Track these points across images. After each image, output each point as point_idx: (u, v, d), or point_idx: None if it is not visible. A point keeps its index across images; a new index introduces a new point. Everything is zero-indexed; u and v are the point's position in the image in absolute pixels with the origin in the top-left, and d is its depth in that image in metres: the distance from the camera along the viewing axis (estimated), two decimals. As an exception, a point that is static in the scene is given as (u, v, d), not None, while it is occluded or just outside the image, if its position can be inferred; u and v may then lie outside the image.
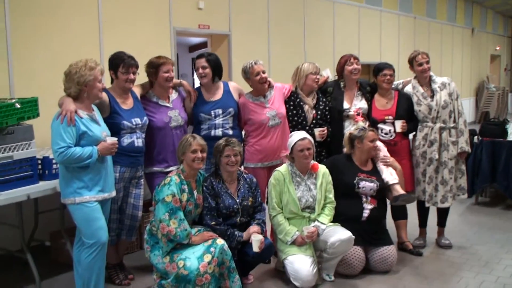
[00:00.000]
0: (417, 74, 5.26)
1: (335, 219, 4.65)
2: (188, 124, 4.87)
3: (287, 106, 5.05)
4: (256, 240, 4.20)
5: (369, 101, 5.24)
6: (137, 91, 4.56)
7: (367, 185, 4.75)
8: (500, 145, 6.90)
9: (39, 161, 4.46)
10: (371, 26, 11.57)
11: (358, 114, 5.07)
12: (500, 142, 6.94)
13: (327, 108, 5.14)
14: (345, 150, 4.95)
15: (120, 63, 4.29)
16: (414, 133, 5.32)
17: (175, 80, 4.76)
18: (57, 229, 4.94)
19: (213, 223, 4.28)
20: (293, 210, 4.55)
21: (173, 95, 4.76)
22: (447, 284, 4.52)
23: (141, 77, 4.51)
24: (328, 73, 5.39)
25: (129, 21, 6.28)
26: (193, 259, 3.92)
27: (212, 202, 4.32)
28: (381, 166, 4.89)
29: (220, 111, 4.76)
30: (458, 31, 16.38)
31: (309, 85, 5.07)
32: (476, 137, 7.36)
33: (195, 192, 4.27)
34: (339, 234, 4.41)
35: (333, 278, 4.58)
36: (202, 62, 4.76)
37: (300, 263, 4.39)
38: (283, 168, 4.62)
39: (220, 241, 4.07)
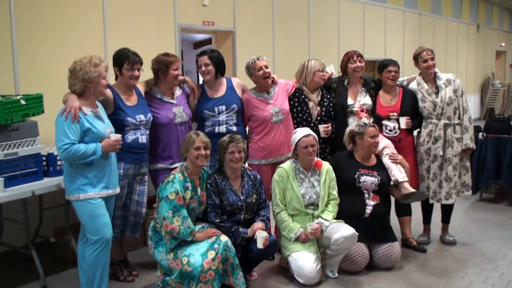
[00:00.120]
0: (422, 70, 5.25)
1: (338, 216, 4.65)
2: (192, 120, 4.87)
3: (292, 102, 5.05)
4: (260, 236, 4.20)
5: (373, 97, 5.24)
6: (141, 87, 4.57)
7: (368, 179, 4.75)
8: (505, 141, 6.88)
9: (44, 158, 4.48)
10: (375, 22, 11.54)
11: (362, 110, 5.06)
12: (505, 138, 6.92)
13: (331, 104, 5.14)
14: (349, 147, 4.94)
15: (125, 59, 4.30)
16: (418, 129, 5.31)
17: (179, 77, 4.76)
18: (62, 225, 4.97)
19: (217, 220, 4.29)
20: (296, 207, 4.55)
21: (177, 91, 4.76)
22: (452, 280, 4.52)
23: (145, 73, 4.51)
24: (332, 70, 5.38)
25: (134, 18, 6.29)
26: (197, 255, 3.93)
27: (216, 199, 4.32)
28: (390, 164, 4.88)
29: (223, 107, 4.76)
30: (464, 27, 16.32)
31: (316, 82, 5.07)
32: (481, 133, 7.34)
33: (198, 190, 4.28)
34: (342, 231, 4.41)
35: (336, 274, 4.58)
36: (205, 59, 4.76)
37: (303, 260, 4.39)
38: (287, 165, 4.62)
39: (224, 238, 4.08)
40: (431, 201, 5.26)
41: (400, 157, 4.92)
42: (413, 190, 4.82)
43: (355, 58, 5.15)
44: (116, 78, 4.40)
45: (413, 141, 5.32)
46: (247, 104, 4.91)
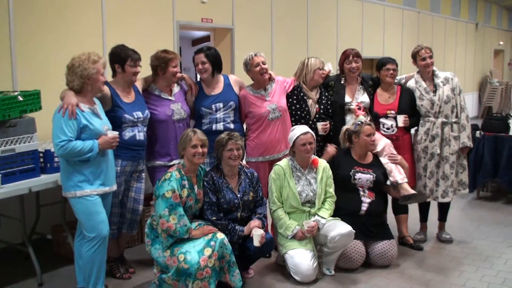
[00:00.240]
0: (420, 68, 5.25)
1: (335, 213, 4.66)
2: (190, 118, 4.87)
3: (291, 100, 5.05)
4: (257, 234, 4.20)
5: (371, 95, 5.24)
6: (139, 84, 4.56)
7: (363, 176, 4.76)
8: (503, 140, 6.90)
9: (41, 154, 4.48)
10: (374, 20, 11.53)
11: (359, 108, 5.07)
12: (503, 137, 6.93)
13: (329, 102, 5.14)
14: (346, 145, 4.94)
15: (128, 56, 4.30)
16: (416, 128, 5.31)
17: (178, 74, 4.76)
18: (59, 222, 4.96)
19: (214, 218, 4.29)
20: (293, 205, 4.55)
21: (175, 88, 4.76)
22: (448, 278, 4.53)
23: (143, 70, 4.50)
24: (330, 67, 5.38)
25: (132, 15, 6.28)
26: (194, 253, 3.93)
27: (213, 197, 4.32)
28: (390, 164, 4.89)
29: (221, 105, 4.76)
30: (462, 25, 16.32)
31: (316, 80, 5.08)
32: (478, 132, 7.35)
33: (195, 187, 4.28)
34: (339, 229, 4.42)
35: (333, 272, 4.59)
36: (201, 57, 4.75)
37: (300, 258, 4.40)
38: (284, 163, 4.62)
39: (220, 235, 4.08)
40: (427, 200, 5.26)
41: (399, 157, 4.92)
42: (413, 192, 4.84)
43: (350, 58, 5.14)
44: (114, 75, 4.39)
45: (411, 139, 5.33)
46: (244, 101, 4.91)
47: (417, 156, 5.27)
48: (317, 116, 5.04)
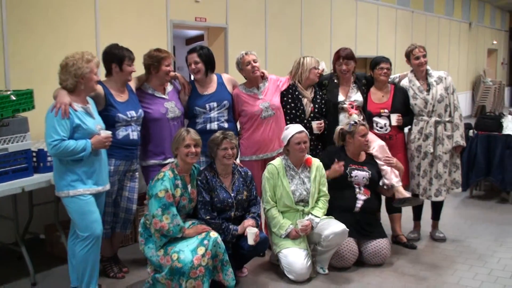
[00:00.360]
0: (414, 67, 5.26)
1: (330, 210, 4.67)
2: (184, 117, 4.87)
3: (285, 99, 5.05)
4: (251, 233, 4.21)
5: (365, 94, 5.24)
6: (132, 83, 4.55)
7: (359, 173, 4.78)
8: (496, 138, 6.92)
9: (34, 154, 4.46)
10: (368, 19, 11.54)
11: (352, 107, 5.07)
12: (496, 136, 6.96)
13: (323, 101, 5.15)
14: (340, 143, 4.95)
15: (126, 56, 4.30)
16: (409, 127, 5.33)
17: (171, 73, 4.75)
18: (52, 222, 4.94)
19: (207, 217, 4.28)
20: (287, 204, 4.56)
21: (168, 87, 4.75)
22: (441, 277, 4.54)
23: (136, 69, 4.49)
24: (324, 66, 5.39)
25: (126, 14, 6.27)
26: (187, 251, 3.93)
27: (206, 196, 4.32)
28: (385, 167, 4.90)
29: (215, 104, 4.76)
30: (456, 25, 16.36)
31: (312, 79, 5.10)
32: (471, 131, 7.38)
33: (189, 187, 4.27)
34: (333, 227, 4.43)
35: (327, 271, 4.60)
36: (194, 57, 4.74)
37: (294, 256, 4.40)
38: (277, 162, 4.62)
39: (214, 234, 4.08)
40: (421, 198, 5.28)
41: (395, 160, 4.94)
42: (408, 195, 4.90)
43: (341, 61, 5.15)
44: (108, 75, 4.38)
45: (404, 138, 5.34)
46: (237, 100, 4.91)
47: (411, 155, 5.28)
48: (311, 115, 5.05)
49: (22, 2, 5.21)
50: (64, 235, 4.67)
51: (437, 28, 14.99)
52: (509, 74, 22.58)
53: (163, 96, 4.66)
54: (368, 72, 5.54)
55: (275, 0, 8.68)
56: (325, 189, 4.66)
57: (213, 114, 4.76)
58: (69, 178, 3.81)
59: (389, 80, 5.33)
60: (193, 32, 9.29)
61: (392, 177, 4.90)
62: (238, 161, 4.76)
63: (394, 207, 5.17)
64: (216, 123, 4.76)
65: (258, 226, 4.46)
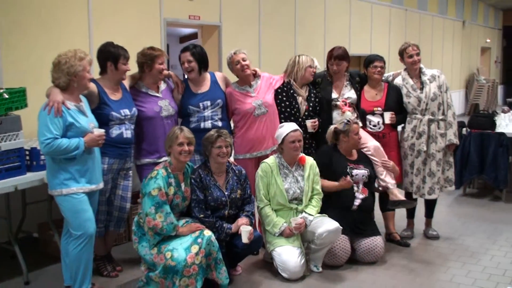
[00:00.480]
0: (407, 66, 5.27)
1: (327, 209, 4.68)
2: (178, 115, 4.86)
3: (280, 97, 5.05)
4: (245, 231, 4.21)
5: (358, 91, 5.25)
6: (126, 82, 4.54)
7: (359, 172, 4.80)
8: (489, 137, 6.94)
9: (27, 152, 4.44)
10: (362, 18, 11.55)
11: (345, 104, 5.08)
12: (489, 134, 6.98)
13: (317, 100, 5.15)
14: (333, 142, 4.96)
15: (121, 54, 4.29)
16: (402, 125, 5.34)
17: (164, 71, 4.74)
18: (45, 220, 4.92)
19: (201, 215, 4.28)
20: (280, 202, 4.56)
21: (162, 85, 4.74)
22: (434, 274, 4.56)
23: (130, 67, 4.49)
24: (316, 64, 5.39)
25: (119, 12, 6.24)
26: (181, 250, 3.93)
27: (200, 195, 4.31)
28: (380, 169, 4.93)
29: (208, 103, 4.75)
30: (449, 23, 16.40)
31: (307, 77, 5.10)
32: (464, 129, 7.40)
33: (182, 185, 4.27)
34: (326, 225, 4.43)
35: (320, 269, 4.60)
36: (187, 56, 4.73)
37: (288, 255, 4.41)
38: (271, 160, 4.62)
39: (208, 232, 4.08)
40: (414, 196, 5.30)
41: (391, 163, 4.96)
42: (403, 198, 4.95)
43: (332, 60, 5.16)
44: (101, 73, 4.37)
45: (397, 137, 5.36)
46: (230, 98, 4.91)
47: (404, 153, 5.29)
48: (306, 113, 5.05)
49: (15, 3, 5.18)
50: (57, 234, 4.66)
51: (430, 26, 15.02)
52: (502, 72, 22.67)
53: (157, 95, 4.65)
54: (362, 70, 5.55)
55: (269, -2, 8.68)
56: (318, 187, 4.67)
57: (207, 112, 4.75)
58: (62, 176, 3.80)
59: (383, 78, 5.34)
60: (187, 30, 9.28)
61: (388, 179, 4.94)
62: (232, 159, 4.75)
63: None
64: (210, 121, 4.75)
65: (252, 224, 4.46)
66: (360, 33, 11.45)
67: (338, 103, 5.11)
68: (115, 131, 4.30)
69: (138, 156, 4.65)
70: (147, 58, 4.54)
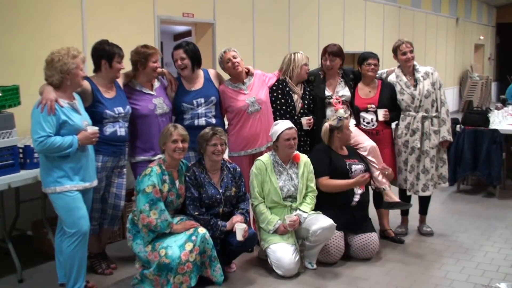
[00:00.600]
0: (401, 63, 5.28)
1: (323, 206, 4.68)
2: (172, 112, 4.85)
3: (275, 94, 5.05)
4: (239, 228, 4.21)
5: (352, 88, 5.25)
6: (120, 80, 4.53)
7: (357, 167, 4.82)
8: (482, 133, 6.96)
9: (21, 150, 4.42)
10: (355, 15, 11.56)
11: (339, 102, 5.08)
12: (482, 131, 7.00)
13: (311, 97, 5.16)
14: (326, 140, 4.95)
15: (116, 53, 4.28)
16: (396, 122, 5.35)
17: (158, 69, 4.73)
18: (39, 218, 4.91)
19: (196, 213, 4.28)
20: (274, 199, 4.56)
21: (156, 83, 4.73)
22: (428, 270, 4.57)
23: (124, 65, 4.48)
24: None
25: (113, 9, 6.22)
26: (175, 247, 3.93)
27: (195, 192, 4.31)
28: (374, 169, 4.96)
29: (202, 100, 4.75)
30: (443, 20, 16.43)
31: (302, 75, 5.10)
32: (458, 126, 7.42)
33: (177, 182, 4.27)
34: (320, 222, 4.44)
35: (315, 266, 4.61)
36: (180, 53, 4.72)
37: (282, 252, 4.41)
38: (265, 158, 4.62)
39: (202, 230, 4.08)
40: (408, 193, 5.31)
41: (390, 170, 5.00)
42: (397, 200, 4.99)
43: (326, 56, 5.16)
44: (96, 70, 4.35)
45: (391, 134, 5.36)
46: (223, 95, 4.90)
47: (398, 150, 5.30)
48: (301, 111, 5.05)
49: (8, 1, 5.15)
50: (51, 232, 4.65)
51: (424, 23, 15.05)
52: (496, 69, 22.74)
53: (151, 93, 4.64)
54: (356, 68, 5.55)
55: (262, -5, 8.68)
56: (312, 185, 4.67)
57: (201, 110, 4.75)
58: (55, 174, 3.79)
59: (377, 75, 5.34)
60: (181, 28, 9.26)
61: (384, 181, 4.96)
62: (226, 157, 4.75)
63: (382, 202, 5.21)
64: (203, 119, 4.75)
65: (246, 222, 4.46)
66: (354, 30, 11.46)
67: (331, 100, 5.11)
68: (109, 129, 4.29)
69: (133, 153, 4.65)
70: (141, 56, 4.53)
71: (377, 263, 4.75)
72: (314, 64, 5.60)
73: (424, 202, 5.49)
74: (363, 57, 5.25)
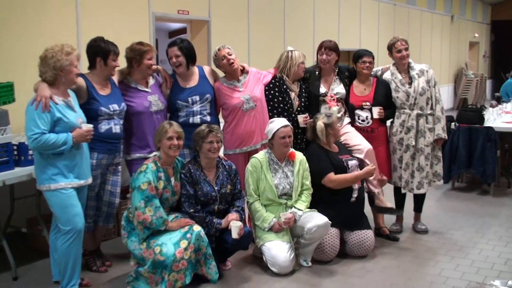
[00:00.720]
0: (396, 60, 5.28)
1: (326, 203, 4.69)
2: (167, 110, 4.84)
3: (273, 92, 5.03)
4: (235, 226, 4.21)
5: (347, 86, 5.25)
6: (115, 77, 4.52)
7: (353, 162, 4.84)
8: (477, 131, 6.97)
9: (15, 147, 4.41)
10: (351, 13, 11.57)
11: (333, 99, 5.08)
12: (477, 128, 7.01)
13: (307, 95, 5.15)
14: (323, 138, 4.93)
15: (111, 50, 4.27)
16: (391, 119, 5.35)
17: (153, 66, 4.72)
18: (34, 215, 4.91)
19: (191, 210, 4.28)
20: (270, 197, 4.56)
21: (151, 80, 4.72)
22: (423, 268, 4.58)
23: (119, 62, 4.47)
24: None
25: (108, 6, 6.20)
26: (170, 245, 3.93)
27: (190, 189, 4.31)
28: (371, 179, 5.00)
29: (197, 97, 4.74)
30: (438, 18, 16.45)
31: (299, 73, 5.10)
32: (453, 123, 7.43)
33: (172, 179, 4.26)
34: (315, 220, 4.44)
35: (310, 263, 4.61)
36: (175, 50, 4.70)
37: (277, 249, 4.41)
38: (261, 155, 4.62)
39: (197, 228, 4.08)
40: (403, 191, 5.32)
41: (385, 177, 5.05)
42: (389, 205, 5.03)
43: (322, 50, 5.15)
44: (90, 68, 4.34)
45: (386, 131, 5.37)
46: (218, 93, 4.89)
47: (393, 148, 5.31)
48: (298, 109, 5.05)
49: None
50: (46, 229, 4.64)
51: (419, 21, 15.06)
52: (490, 67, 22.79)
53: (146, 90, 4.63)
54: (351, 65, 5.55)
55: (258, -8, 8.67)
56: (308, 182, 4.67)
57: (196, 107, 4.74)
58: (50, 171, 3.78)
59: (372, 73, 5.34)
60: (176, 25, 9.25)
61: (377, 185, 5.02)
62: (221, 154, 4.75)
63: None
64: (198, 116, 4.74)
65: (242, 220, 4.46)
66: (349, 28, 11.47)
67: (325, 98, 5.11)
68: (104, 126, 4.28)
69: (128, 151, 4.64)
70: (136, 53, 4.52)
71: (372, 260, 4.75)
72: (310, 61, 5.59)
73: (419, 200, 5.49)
74: (358, 55, 5.25)
